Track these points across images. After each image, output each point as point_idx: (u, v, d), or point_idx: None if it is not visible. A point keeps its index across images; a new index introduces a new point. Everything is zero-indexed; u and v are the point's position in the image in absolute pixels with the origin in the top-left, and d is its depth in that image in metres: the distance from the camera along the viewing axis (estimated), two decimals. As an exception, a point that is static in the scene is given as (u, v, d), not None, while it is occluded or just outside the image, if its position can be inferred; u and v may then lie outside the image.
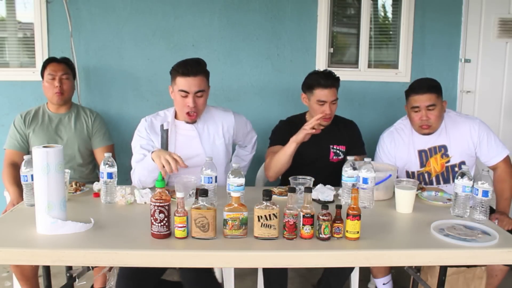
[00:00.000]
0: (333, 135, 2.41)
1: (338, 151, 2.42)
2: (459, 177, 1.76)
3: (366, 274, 2.67)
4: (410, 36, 3.12)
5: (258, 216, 1.50)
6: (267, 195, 1.51)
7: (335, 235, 1.53)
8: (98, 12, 2.92)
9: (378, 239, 1.56)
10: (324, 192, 1.95)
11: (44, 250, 1.45)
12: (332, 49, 3.13)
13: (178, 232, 1.50)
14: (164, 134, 2.19)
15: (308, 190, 1.55)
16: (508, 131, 3.24)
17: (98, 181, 2.00)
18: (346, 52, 3.26)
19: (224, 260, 1.50)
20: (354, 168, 1.88)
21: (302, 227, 1.52)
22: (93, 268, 2.23)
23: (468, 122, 2.35)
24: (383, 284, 2.47)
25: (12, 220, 1.71)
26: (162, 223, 1.50)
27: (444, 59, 3.16)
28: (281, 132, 2.40)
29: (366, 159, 1.85)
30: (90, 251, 1.44)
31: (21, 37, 3.02)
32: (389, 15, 3.29)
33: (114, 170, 1.88)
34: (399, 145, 2.40)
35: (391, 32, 3.28)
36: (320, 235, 1.52)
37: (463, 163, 2.32)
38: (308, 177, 1.88)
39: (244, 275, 2.72)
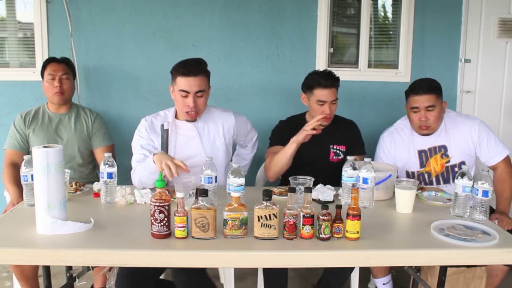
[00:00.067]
0: (333, 135, 2.41)
1: (338, 151, 2.42)
2: (459, 177, 1.76)
3: (366, 274, 2.67)
4: (410, 36, 3.12)
5: (258, 216, 1.50)
6: (267, 195, 1.51)
7: (335, 235, 1.53)
8: (98, 12, 2.92)
9: (378, 239, 1.56)
10: (324, 192, 1.95)
11: (44, 250, 1.45)
12: (332, 49, 3.13)
13: (178, 232, 1.50)
14: (165, 134, 2.19)
15: (308, 190, 1.55)
16: (508, 131, 3.24)
17: (98, 181, 2.00)
18: (346, 52, 3.26)
19: (224, 260, 1.50)
20: (354, 168, 1.88)
21: (302, 227, 1.52)
22: (93, 268, 2.23)
23: (468, 122, 2.35)
24: (383, 284, 2.47)
25: (12, 220, 1.71)
26: (162, 223, 1.50)
27: (444, 59, 3.16)
28: (281, 132, 2.40)
29: (366, 159, 1.85)
30: (90, 251, 1.44)
31: (21, 37, 3.02)
32: (389, 15, 3.29)
33: (114, 170, 1.88)
34: (399, 145, 2.40)
35: (391, 32, 3.28)
36: (320, 235, 1.52)
37: (463, 163, 2.32)
38: (308, 177, 1.88)
39: (244, 275, 2.72)
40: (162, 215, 1.49)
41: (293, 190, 1.56)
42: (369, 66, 3.18)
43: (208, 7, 2.98)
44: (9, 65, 3.01)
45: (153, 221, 1.50)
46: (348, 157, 1.92)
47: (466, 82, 3.21)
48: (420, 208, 1.88)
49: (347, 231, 1.53)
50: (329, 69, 2.47)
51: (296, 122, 2.43)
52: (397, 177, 2.07)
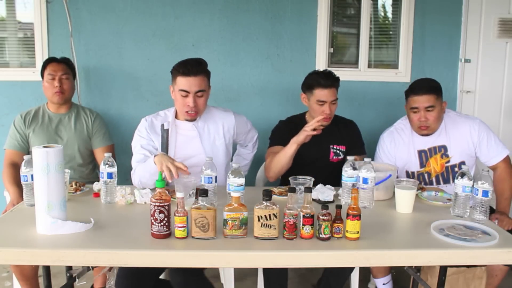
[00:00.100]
0: (333, 135, 2.41)
1: (338, 151, 2.42)
2: (459, 177, 1.76)
3: (366, 274, 2.67)
4: (410, 36, 3.12)
5: (258, 216, 1.50)
6: (267, 195, 1.51)
7: (335, 235, 1.53)
8: (98, 12, 2.92)
9: (378, 239, 1.56)
10: (324, 192, 1.95)
11: (44, 250, 1.45)
12: (332, 49, 3.13)
13: (178, 232, 1.50)
14: (165, 134, 2.19)
15: (308, 190, 1.55)
16: (508, 131, 3.24)
17: (98, 181, 2.00)
18: (346, 52, 3.26)
19: (224, 260, 1.50)
20: (354, 168, 1.88)
21: (302, 227, 1.52)
22: (93, 268, 2.23)
23: (468, 122, 2.35)
24: (383, 284, 2.47)
25: (12, 220, 1.71)
26: (162, 223, 1.50)
27: (444, 59, 3.16)
28: (281, 132, 2.41)
29: (366, 159, 1.85)
30: (90, 251, 1.44)
31: (21, 37, 3.02)
32: (389, 15, 3.29)
33: (114, 170, 1.88)
34: (399, 145, 2.40)
35: (391, 32, 3.28)
36: (320, 235, 1.52)
37: (463, 163, 2.32)
38: (308, 177, 1.88)
39: (244, 275, 2.72)
40: (162, 215, 1.49)
41: (293, 190, 1.56)
42: (369, 66, 3.18)
43: (208, 7, 2.98)
44: (9, 65, 3.01)
45: (153, 221, 1.50)
46: (348, 157, 1.92)
47: (466, 82, 3.21)
48: (420, 208, 1.88)
49: (347, 231, 1.53)
50: (329, 69, 2.47)
51: (296, 122, 2.43)
52: (397, 177, 2.07)
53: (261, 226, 1.50)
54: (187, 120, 2.21)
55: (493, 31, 3.15)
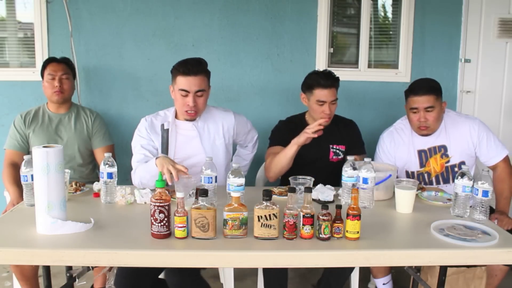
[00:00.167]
0: (333, 135, 2.41)
1: (338, 151, 2.42)
2: (459, 177, 1.76)
3: (366, 274, 2.67)
4: (410, 36, 3.12)
5: (258, 216, 1.50)
6: (267, 195, 1.51)
7: (335, 235, 1.53)
8: (98, 12, 2.92)
9: (378, 239, 1.56)
10: (324, 192, 1.95)
11: (44, 250, 1.45)
12: (332, 49, 3.13)
13: (178, 232, 1.50)
14: (165, 134, 2.19)
15: (308, 190, 1.55)
16: (508, 131, 3.24)
17: (98, 181, 2.00)
18: (346, 52, 3.26)
19: (224, 260, 1.50)
20: (354, 168, 1.88)
21: (302, 227, 1.52)
22: (93, 268, 2.23)
23: (467, 122, 2.35)
24: (383, 284, 2.47)
25: (12, 220, 1.71)
26: (162, 223, 1.50)
27: (444, 59, 3.16)
28: (281, 133, 2.41)
29: (366, 159, 1.85)
30: (90, 251, 1.44)
31: (21, 37, 3.02)
32: (389, 15, 3.29)
33: (114, 170, 1.88)
34: (399, 145, 2.40)
35: (391, 32, 3.28)
36: (320, 235, 1.52)
37: (463, 163, 2.32)
38: (308, 177, 1.88)
39: (244, 275, 2.72)
40: (162, 215, 1.49)
41: (293, 190, 1.56)
42: (369, 66, 3.18)
43: (208, 7, 2.98)
44: (9, 65, 3.01)
45: (153, 221, 1.50)
46: (348, 157, 1.92)
47: (466, 82, 3.21)
48: (420, 208, 1.88)
49: (347, 231, 1.53)
50: (329, 69, 2.47)
51: (295, 122, 2.43)
52: (397, 177, 2.07)
53: (261, 226, 1.50)
54: (187, 120, 2.21)
55: (493, 31, 3.15)
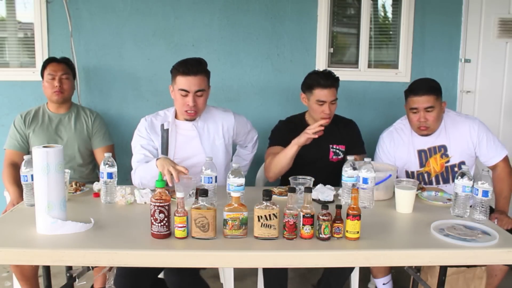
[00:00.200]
0: (332, 135, 2.41)
1: (337, 151, 2.42)
2: (459, 177, 1.76)
3: (366, 274, 2.67)
4: (410, 36, 3.12)
5: (258, 216, 1.50)
6: (267, 195, 1.51)
7: (335, 235, 1.53)
8: (98, 12, 2.92)
9: (378, 239, 1.56)
10: (324, 192, 1.95)
11: (44, 250, 1.45)
12: (332, 49, 3.13)
13: (178, 232, 1.50)
14: (165, 134, 2.19)
15: (308, 190, 1.55)
16: (508, 131, 3.24)
17: (98, 181, 2.00)
18: (346, 52, 3.26)
19: (224, 260, 1.50)
20: (354, 168, 1.88)
21: (302, 227, 1.52)
22: (93, 268, 2.23)
23: (467, 122, 2.35)
24: (383, 284, 2.47)
25: (12, 220, 1.71)
26: (162, 223, 1.50)
27: (444, 59, 3.16)
28: (281, 133, 2.41)
29: (366, 159, 1.85)
30: (90, 251, 1.44)
31: (21, 37, 3.02)
32: (389, 15, 3.29)
33: (114, 170, 1.88)
34: (399, 145, 2.40)
35: (391, 32, 3.28)
36: (320, 235, 1.52)
37: (462, 163, 2.32)
38: (308, 177, 1.88)
39: (244, 275, 2.72)
40: (162, 215, 1.49)
41: (293, 190, 1.56)
42: (369, 66, 3.18)
43: (208, 7, 2.98)
44: (9, 65, 3.01)
45: (153, 221, 1.50)
46: (348, 157, 1.92)
47: (466, 82, 3.20)
48: (420, 208, 1.88)
49: (347, 231, 1.53)
50: (329, 69, 2.46)
51: (295, 122, 2.43)
52: (397, 177, 2.07)
53: (261, 226, 1.50)
54: (186, 120, 2.21)
55: (493, 31, 3.15)
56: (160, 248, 1.46)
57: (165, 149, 2.18)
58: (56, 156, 1.52)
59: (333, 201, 1.93)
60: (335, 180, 2.19)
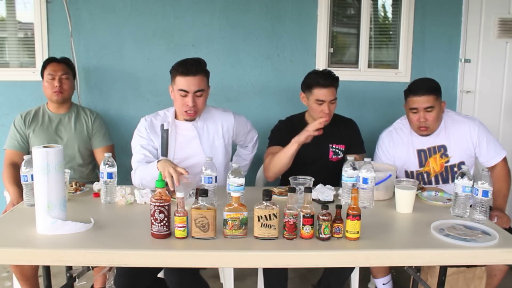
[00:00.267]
0: (332, 134, 2.41)
1: (337, 150, 2.42)
2: (459, 177, 1.76)
3: (366, 274, 2.67)
4: (410, 36, 3.12)
5: (258, 216, 1.50)
6: (267, 195, 1.51)
7: (335, 235, 1.53)
8: (98, 12, 2.92)
9: (378, 239, 1.56)
10: (324, 192, 1.95)
11: (44, 250, 1.45)
12: (332, 49, 3.13)
13: (178, 232, 1.50)
14: (165, 134, 2.19)
15: (308, 190, 1.55)
16: (508, 131, 3.24)
17: (98, 181, 2.00)
18: (346, 52, 3.26)
19: (224, 260, 1.50)
20: (354, 168, 1.88)
21: (302, 227, 1.52)
22: (93, 268, 2.23)
23: (467, 122, 2.35)
24: (383, 284, 2.47)
25: (12, 220, 1.71)
26: (162, 223, 1.50)
27: (444, 59, 3.16)
28: (280, 132, 2.40)
29: (366, 159, 1.85)
30: (90, 251, 1.44)
31: (21, 37, 3.02)
32: (389, 15, 3.29)
33: (114, 170, 1.88)
34: (398, 145, 2.40)
35: (391, 32, 3.28)
36: (320, 235, 1.52)
37: (462, 163, 2.32)
38: (308, 177, 1.88)
39: (244, 275, 2.72)
40: (162, 215, 1.50)
41: (293, 190, 1.56)
42: (369, 66, 3.18)
43: (208, 7, 2.98)
44: (9, 65, 3.01)
45: (153, 221, 1.50)
46: (348, 157, 1.92)
47: (466, 82, 3.20)
48: (420, 208, 1.88)
49: (347, 231, 1.53)
50: (329, 69, 2.46)
51: (295, 122, 2.43)
52: (396, 177, 2.07)
53: (261, 226, 1.50)
54: (186, 120, 2.21)
55: (493, 31, 3.15)
56: (160, 248, 1.46)
57: (164, 149, 2.18)
58: (56, 156, 1.52)
59: (333, 201, 1.93)
60: (335, 180, 2.19)
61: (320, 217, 1.51)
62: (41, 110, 2.59)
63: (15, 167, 2.43)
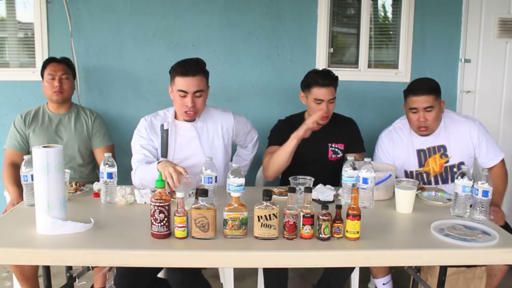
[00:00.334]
0: (331, 134, 2.41)
1: (336, 150, 2.42)
2: (459, 177, 1.76)
3: (366, 274, 2.67)
4: (410, 36, 3.12)
5: (258, 216, 1.50)
6: (267, 195, 1.51)
7: (335, 235, 1.53)
8: (98, 12, 2.92)
9: (378, 239, 1.56)
10: (324, 192, 1.95)
11: (44, 250, 1.45)
12: (332, 49, 3.13)
13: (178, 232, 1.50)
14: (164, 134, 2.19)
15: (308, 190, 1.55)
16: (508, 131, 3.24)
17: (98, 181, 2.00)
18: (346, 52, 3.26)
19: (224, 260, 1.50)
20: (354, 168, 1.88)
21: (302, 227, 1.52)
22: (93, 268, 2.23)
23: (467, 123, 2.35)
24: (383, 284, 2.47)
25: (12, 220, 1.71)
26: (162, 223, 1.50)
27: (444, 59, 3.16)
28: (280, 132, 2.40)
29: (366, 159, 1.85)
30: (90, 251, 1.44)
31: (21, 37, 3.02)
32: (389, 15, 3.29)
33: (114, 170, 1.88)
34: (398, 145, 2.40)
35: (391, 32, 3.28)
36: (320, 235, 1.52)
37: (462, 163, 2.32)
38: (308, 177, 1.88)
39: (244, 275, 2.72)
40: (162, 215, 1.50)
41: (293, 190, 1.56)
42: (369, 66, 3.18)
43: (208, 7, 2.98)
44: (9, 65, 3.01)
45: (153, 221, 1.50)
46: (348, 157, 1.92)
47: (466, 82, 3.20)
48: (420, 208, 1.88)
49: (347, 231, 1.53)
50: (329, 69, 2.46)
51: (295, 122, 2.42)
52: (396, 177, 2.07)
53: (261, 226, 1.50)
54: (186, 120, 2.21)
55: (493, 31, 3.15)
56: (160, 248, 1.46)
57: (164, 150, 2.18)
58: (56, 156, 1.52)
59: (333, 201, 1.93)
60: (334, 179, 2.19)
61: (320, 217, 1.51)
62: (41, 110, 2.59)
63: (15, 167, 2.43)
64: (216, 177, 1.86)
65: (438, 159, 2.35)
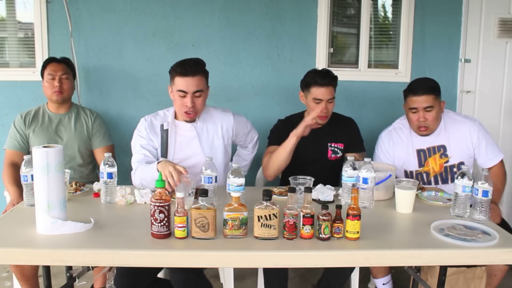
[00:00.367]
0: (331, 133, 2.41)
1: (336, 149, 2.42)
2: (459, 177, 1.76)
3: (366, 274, 2.67)
4: (410, 36, 3.12)
5: (258, 216, 1.50)
6: (267, 195, 1.51)
7: (335, 235, 1.53)
8: (98, 12, 2.92)
9: (378, 239, 1.56)
10: (324, 192, 1.95)
11: (44, 250, 1.45)
12: (332, 49, 3.13)
13: (178, 232, 1.50)
14: (164, 134, 2.19)
15: (308, 190, 1.55)
16: (508, 131, 3.24)
17: (98, 181, 2.00)
18: (346, 52, 3.26)
19: (224, 260, 1.50)
20: (354, 168, 1.88)
21: (302, 227, 1.52)
22: (93, 268, 2.23)
23: (467, 123, 2.35)
24: (383, 284, 2.47)
25: (12, 220, 1.71)
26: (162, 223, 1.50)
27: (444, 59, 3.16)
28: (280, 132, 2.40)
29: (366, 159, 1.85)
30: (90, 251, 1.44)
31: (21, 37, 3.02)
32: (389, 15, 3.29)
33: (114, 170, 1.88)
34: (397, 145, 2.40)
35: (391, 32, 3.28)
36: (320, 235, 1.52)
37: (462, 163, 2.32)
38: (308, 177, 1.88)
39: (244, 275, 2.72)
40: (162, 215, 1.49)
41: (293, 190, 1.56)
42: (369, 66, 3.18)
43: (208, 7, 2.98)
44: (9, 65, 3.01)
45: (153, 221, 1.50)
46: (348, 157, 1.92)
47: (466, 82, 3.20)
48: (420, 208, 1.88)
49: (347, 231, 1.53)
50: (329, 69, 2.46)
51: (294, 121, 2.42)
52: (396, 177, 2.07)
53: (261, 226, 1.50)
54: (186, 121, 2.21)
55: (493, 31, 3.15)
56: (160, 248, 1.46)
57: (164, 150, 2.18)
58: (56, 156, 1.52)
59: (333, 201, 1.93)
60: (334, 179, 2.19)
61: (320, 217, 1.51)
62: (41, 110, 2.59)
63: (15, 167, 2.43)
64: (216, 177, 1.86)
65: (438, 159, 2.36)
